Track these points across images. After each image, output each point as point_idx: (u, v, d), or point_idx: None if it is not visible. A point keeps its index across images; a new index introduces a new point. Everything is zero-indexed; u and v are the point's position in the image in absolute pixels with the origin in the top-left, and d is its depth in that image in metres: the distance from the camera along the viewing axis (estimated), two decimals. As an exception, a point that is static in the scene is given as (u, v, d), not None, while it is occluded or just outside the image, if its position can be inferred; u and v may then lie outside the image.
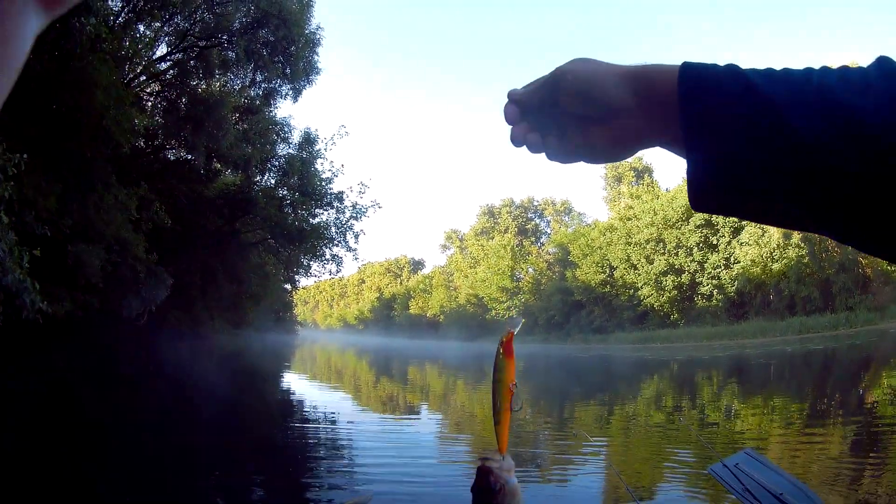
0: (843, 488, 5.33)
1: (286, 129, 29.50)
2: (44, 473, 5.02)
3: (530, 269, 72.71)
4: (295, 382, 16.96)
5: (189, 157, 25.24)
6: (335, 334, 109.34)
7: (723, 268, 45.50)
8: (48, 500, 4.51)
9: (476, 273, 79.84)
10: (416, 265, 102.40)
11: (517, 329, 0.71)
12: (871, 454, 6.51)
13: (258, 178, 29.67)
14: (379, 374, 22.77)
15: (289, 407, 11.36)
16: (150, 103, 25.27)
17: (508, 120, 0.62)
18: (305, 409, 11.17)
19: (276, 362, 23.70)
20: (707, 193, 0.52)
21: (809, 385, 14.88)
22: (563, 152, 0.61)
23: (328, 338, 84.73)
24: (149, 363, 14.80)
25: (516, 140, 0.61)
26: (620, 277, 53.76)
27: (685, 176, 0.53)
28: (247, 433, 8.04)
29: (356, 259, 46.98)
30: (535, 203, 79.23)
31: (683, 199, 48.93)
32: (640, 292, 51.88)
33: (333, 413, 10.70)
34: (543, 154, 0.61)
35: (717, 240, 46.42)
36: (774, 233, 39.87)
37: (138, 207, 19.77)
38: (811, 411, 10.46)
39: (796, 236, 38.34)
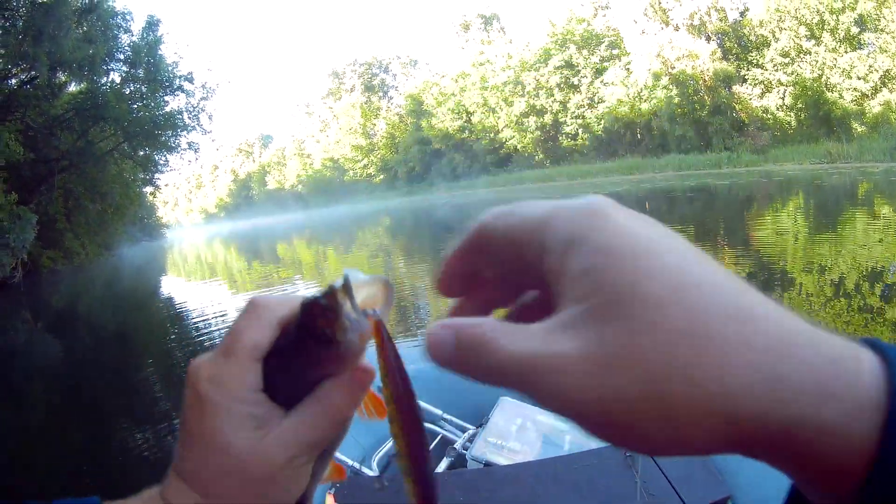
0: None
1: (127, 18, 26.94)
2: None
3: (382, 124, 71.37)
4: (175, 290, 16.37)
5: (32, 74, 21.60)
6: (200, 228, 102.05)
7: (587, 107, 46.01)
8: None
9: (328, 136, 77.34)
10: (266, 139, 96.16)
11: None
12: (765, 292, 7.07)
13: (104, 79, 26.22)
14: (249, 259, 22.77)
15: (178, 318, 10.95)
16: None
17: None
18: (194, 315, 10.80)
19: (152, 274, 22.77)
20: None
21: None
22: None
23: (194, 233, 78.95)
24: (34, 329, 12.78)
25: None
26: (479, 122, 53.91)
27: None
28: (147, 366, 7.54)
29: (213, 141, 44.28)
30: (380, 60, 75.79)
31: (539, 42, 49.41)
32: (500, 135, 52.47)
33: (222, 311, 10.49)
34: None
35: (580, 80, 46.51)
36: (641, 72, 40.63)
37: (-13, 148, 16.97)
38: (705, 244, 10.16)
39: (665, 77, 39.12)
